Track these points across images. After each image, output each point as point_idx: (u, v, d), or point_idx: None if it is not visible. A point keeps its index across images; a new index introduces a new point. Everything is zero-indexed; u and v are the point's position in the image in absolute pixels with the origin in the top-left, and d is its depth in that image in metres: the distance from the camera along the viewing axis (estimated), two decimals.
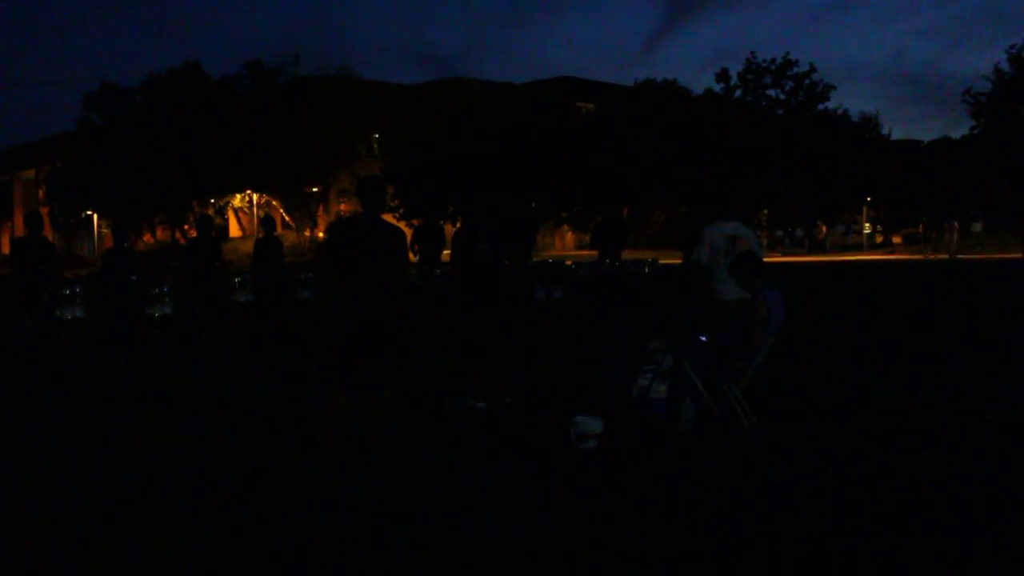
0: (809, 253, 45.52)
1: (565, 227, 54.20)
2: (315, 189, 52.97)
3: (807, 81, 47.90)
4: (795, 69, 47.82)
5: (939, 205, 51.94)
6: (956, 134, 76.37)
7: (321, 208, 54.88)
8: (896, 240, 57.75)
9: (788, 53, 47.85)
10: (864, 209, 53.82)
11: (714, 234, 8.47)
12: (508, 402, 8.44)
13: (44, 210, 51.60)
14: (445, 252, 16.17)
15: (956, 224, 40.09)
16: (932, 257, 36.74)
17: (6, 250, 70.35)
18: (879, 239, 56.29)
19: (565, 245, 58.63)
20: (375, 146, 54.82)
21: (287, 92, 50.07)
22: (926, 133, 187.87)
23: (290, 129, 47.59)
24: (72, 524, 5.59)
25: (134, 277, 12.82)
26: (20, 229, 69.02)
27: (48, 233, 46.44)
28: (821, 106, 48.33)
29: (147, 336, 12.81)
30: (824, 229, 54.15)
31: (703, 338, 7.53)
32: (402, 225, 35.00)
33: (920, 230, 54.57)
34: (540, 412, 8.19)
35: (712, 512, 5.50)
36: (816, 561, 4.76)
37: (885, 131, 55.53)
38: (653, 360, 7.16)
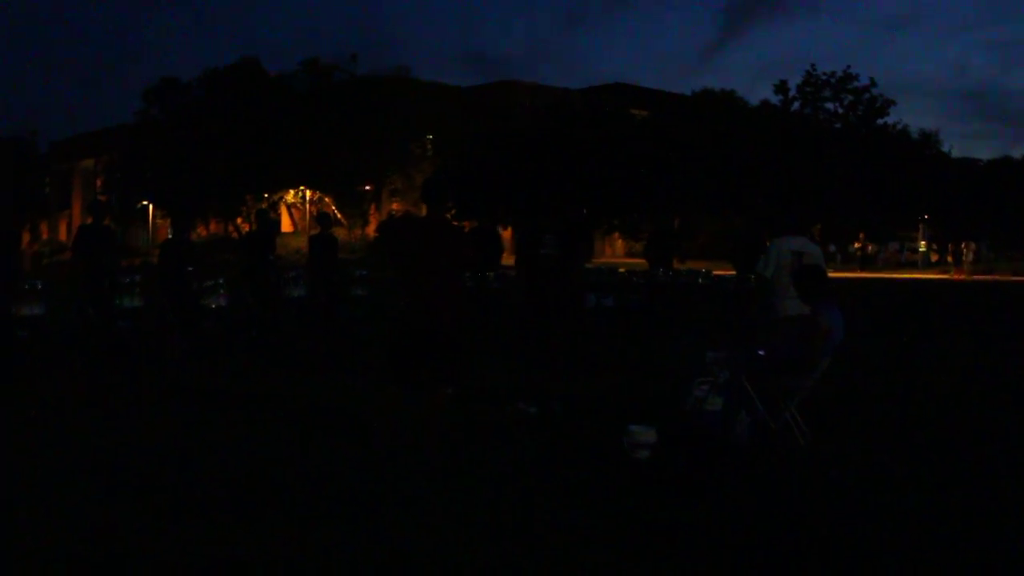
0: (861, 269, 44.96)
1: (615, 235, 54.07)
2: (368, 188, 53.31)
3: (866, 95, 47.49)
4: (855, 83, 47.42)
5: (962, 225, 51.53)
6: (1017, 153, 75.34)
7: (373, 207, 55.22)
8: (951, 259, 56.87)
9: (848, 66, 47.55)
10: (920, 227, 53.10)
11: (781, 249, 8.41)
12: (559, 408, 8.41)
13: (102, 199, 52.40)
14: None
15: (973, 245, 41.25)
16: (954, 277, 37.78)
17: (64, 237, 71.62)
18: (934, 258, 55.46)
19: (615, 252, 58.49)
20: (429, 147, 55.04)
21: (343, 91, 50.47)
22: (986, 151, 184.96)
23: (345, 127, 47.94)
24: (117, 512, 5.65)
25: (191, 268, 12.97)
26: (78, 218, 70.25)
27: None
28: (880, 121, 47.85)
29: (201, 327, 12.94)
30: (865, 245, 53.46)
31: (761, 352, 7.46)
32: None
33: (950, 249, 53.95)
34: (592, 419, 8.16)
35: (765, 526, 5.44)
36: None
37: (946, 148, 54.79)
38: (710, 372, 7.11)
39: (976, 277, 39.98)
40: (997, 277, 39.51)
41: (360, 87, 50.64)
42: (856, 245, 52.38)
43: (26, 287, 11.46)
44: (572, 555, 4.95)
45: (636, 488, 6.15)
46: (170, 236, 14.07)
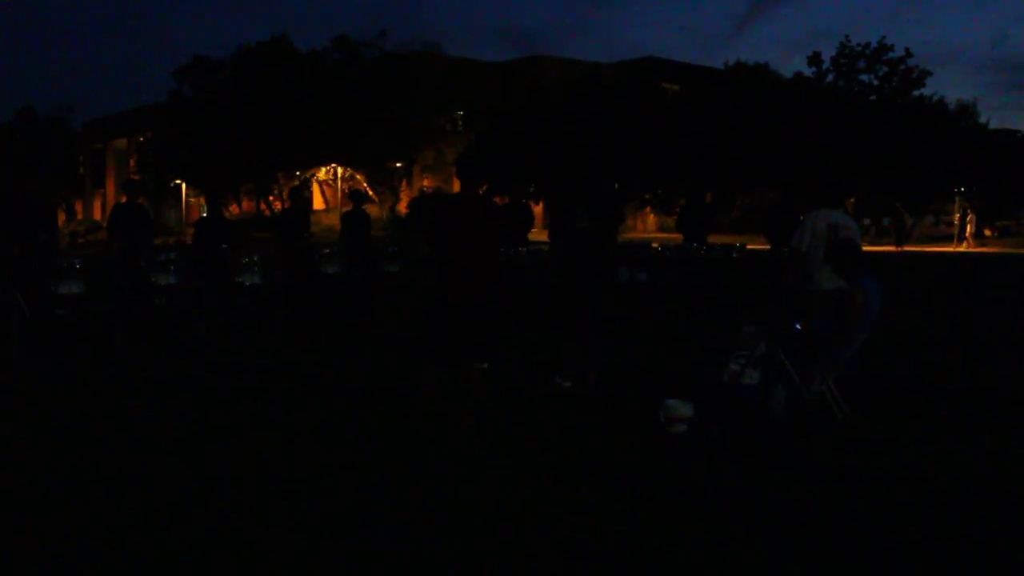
0: (898, 246, 44.45)
1: (647, 209, 53.81)
2: (399, 164, 53.30)
3: (902, 66, 46.87)
4: (890, 54, 46.80)
5: (1000, 197, 51.61)
6: None
7: (404, 183, 55.23)
8: (988, 233, 56.12)
9: (883, 37, 47.01)
10: (957, 200, 52.37)
11: (817, 222, 8.34)
12: (595, 382, 8.41)
13: (136, 178, 52.72)
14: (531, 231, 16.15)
15: (974, 216, 43.31)
16: (957, 248, 39.48)
17: (98, 216, 72.27)
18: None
19: (647, 227, 58.21)
20: (459, 123, 54.94)
21: (373, 67, 50.40)
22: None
23: (375, 104, 47.92)
24: (136, 491, 5.71)
25: (225, 245, 13.03)
26: (112, 197, 70.80)
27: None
28: (916, 92, 47.22)
29: (236, 304, 13.02)
30: (902, 218, 53.01)
31: (798, 326, 7.41)
32: None
33: (955, 221, 53.66)
34: (627, 393, 8.15)
35: (801, 500, 5.42)
36: (902, 552, 4.67)
37: (983, 120, 53.99)
38: (746, 345, 7.06)
39: (977, 249, 42.08)
40: (995, 249, 40.98)
41: (390, 63, 50.53)
42: (886, 222, 51.71)
43: (64, 265, 11.57)
44: (607, 528, 4.95)
45: (672, 461, 6.14)
46: (204, 214, 14.12)
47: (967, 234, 44.91)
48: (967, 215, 45.20)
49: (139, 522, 5.06)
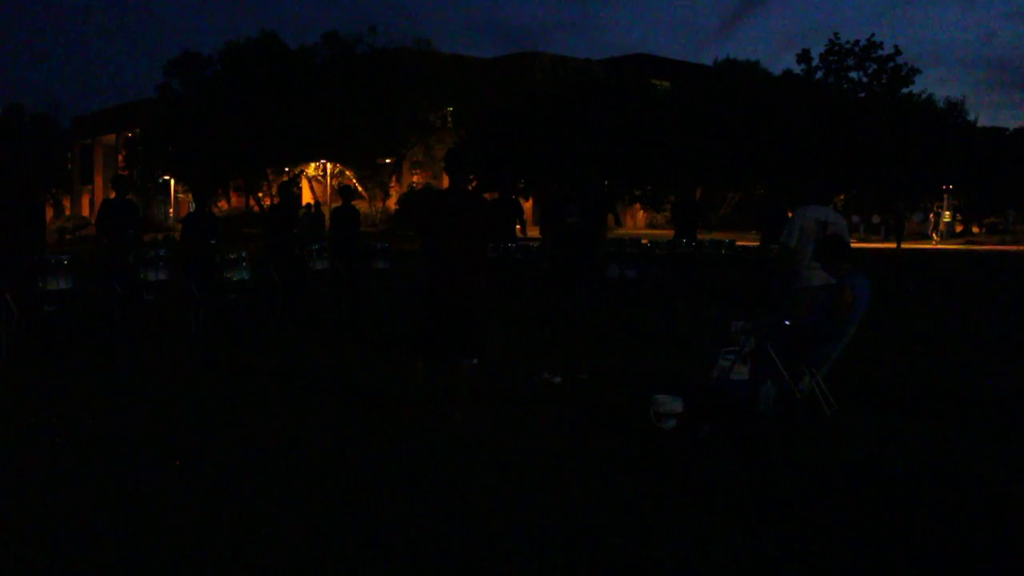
0: (885, 241, 44.58)
1: (637, 206, 53.84)
2: (388, 160, 53.25)
3: (891, 64, 46.95)
4: (879, 51, 46.87)
5: (988, 195, 52.44)
6: None
7: (394, 179, 55.18)
8: (976, 230, 56.31)
9: (872, 35, 47.04)
10: (945, 197, 52.54)
11: (805, 219, 8.36)
12: (584, 378, 8.42)
13: (125, 173, 52.53)
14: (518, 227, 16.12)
15: (947, 212, 44.93)
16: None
17: (86, 212, 72.04)
18: (959, 228, 54.96)
19: (636, 224, 58.28)
20: (449, 119, 54.91)
21: (363, 63, 50.34)
22: (1012, 120, 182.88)
23: (365, 100, 47.86)
24: (127, 488, 5.70)
25: (214, 241, 12.97)
26: (101, 193, 70.55)
27: None
28: (905, 90, 47.31)
29: (224, 300, 12.95)
30: (902, 214, 53.33)
31: (787, 322, 7.42)
32: None
33: (932, 219, 54.21)
34: (617, 389, 8.16)
35: (790, 495, 5.44)
36: (890, 544, 4.69)
37: (972, 117, 54.14)
38: (735, 342, 7.08)
39: (941, 246, 43.30)
40: (972, 247, 42.04)
41: (381, 59, 50.46)
42: (875, 219, 51.71)
43: (52, 261, 11.50)
44: (598, 521, 4.96)
45: (662, 456, 6.15)
46: (192, 210, 14.03)
47: (935, 231, 46.08)
48: (942, 213, 46.21)
49: (138, 522, 5.04)
